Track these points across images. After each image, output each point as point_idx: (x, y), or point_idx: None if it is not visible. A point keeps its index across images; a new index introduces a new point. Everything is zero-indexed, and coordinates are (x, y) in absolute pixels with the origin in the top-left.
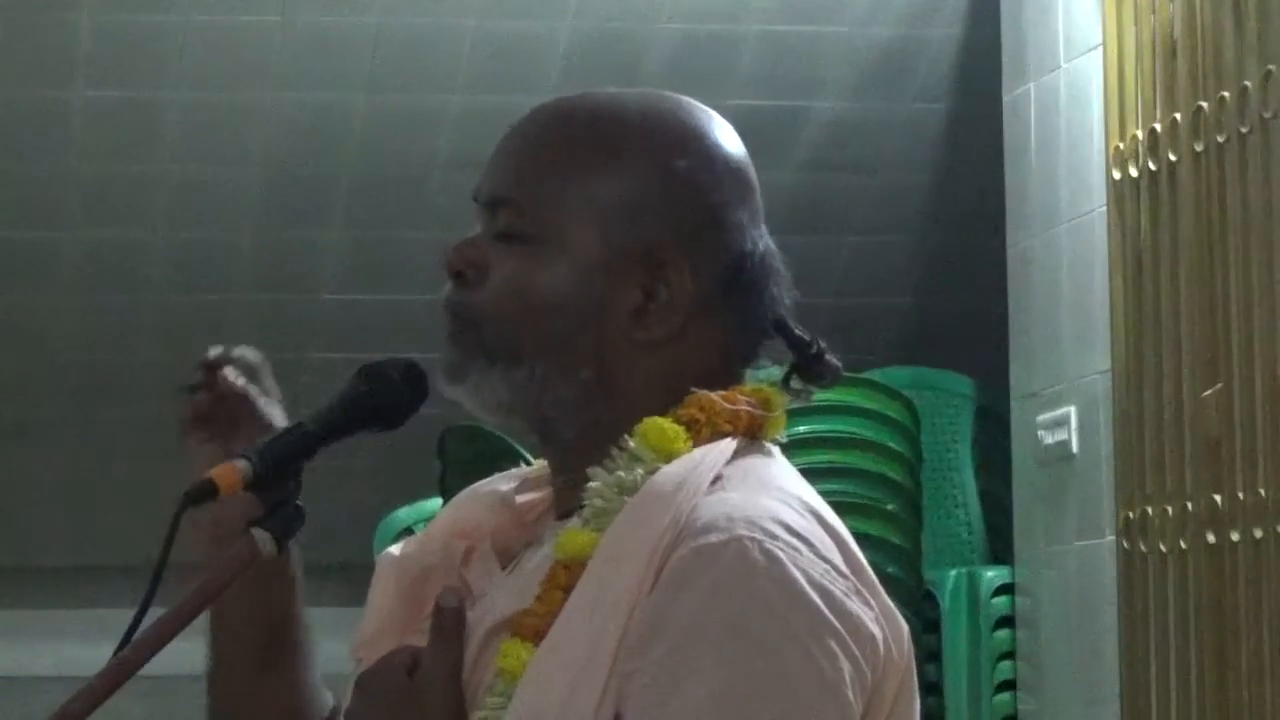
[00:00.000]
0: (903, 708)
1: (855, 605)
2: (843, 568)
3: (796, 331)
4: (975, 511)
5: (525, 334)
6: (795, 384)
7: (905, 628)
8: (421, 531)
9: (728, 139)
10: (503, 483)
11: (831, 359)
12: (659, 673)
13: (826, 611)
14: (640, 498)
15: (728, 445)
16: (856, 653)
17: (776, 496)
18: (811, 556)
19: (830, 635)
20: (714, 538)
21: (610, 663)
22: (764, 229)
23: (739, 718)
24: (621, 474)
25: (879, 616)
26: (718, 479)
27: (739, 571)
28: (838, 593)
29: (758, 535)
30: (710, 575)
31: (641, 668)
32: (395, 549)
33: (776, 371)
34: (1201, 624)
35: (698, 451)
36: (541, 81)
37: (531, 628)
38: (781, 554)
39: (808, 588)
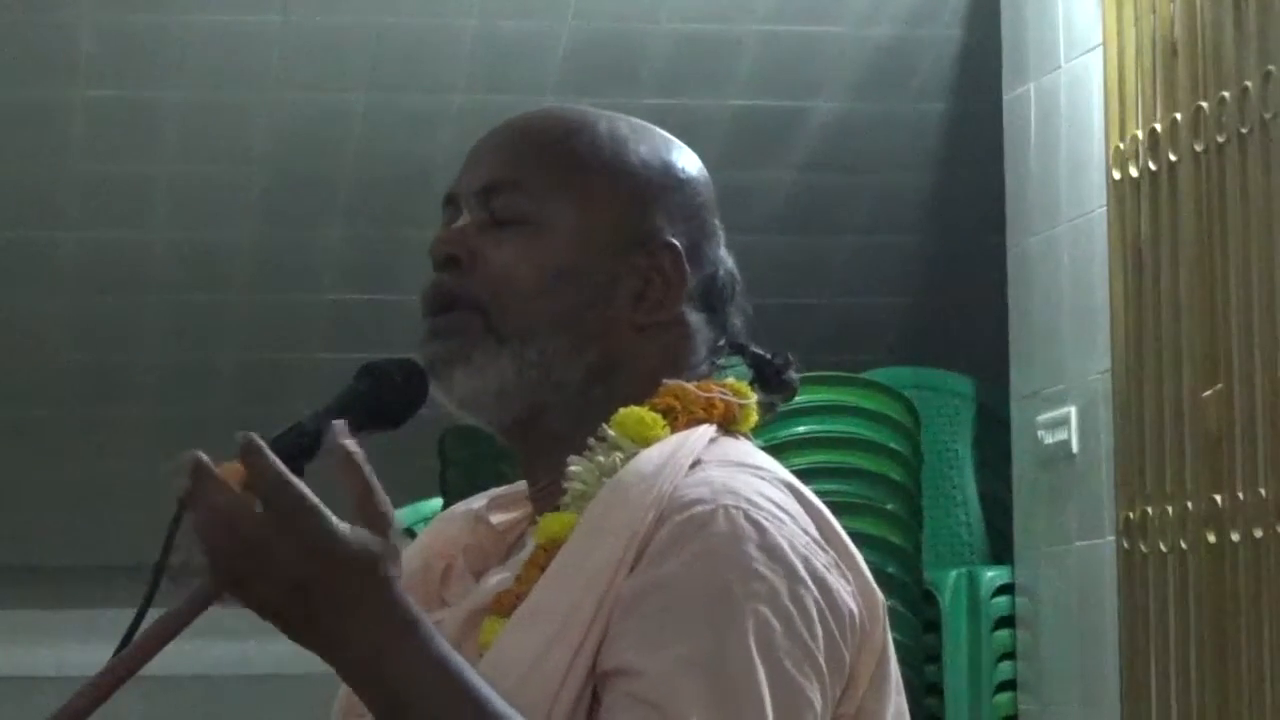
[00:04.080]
0: (877, 684)
1: (834, 579)
2: (822, 541)
3: (754, 349)
4: (975, 511)
5: (539, 309)
6: (757, 395)
7: (881, 602)
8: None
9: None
10: (474, 503)
11: (790, 374)
12: (646, 632)
13: (809, 580)
14: (621, 477)
15: (706, 431)
16: (833, 626)
17: (756, 474)
18: (794, 528)
19: (812, 603)
20: (701, 509)
21: (584, 629)
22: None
23: (722, 680)
24: (601, 459)
25: (855, 592)
26: (697, 462)
27: (727, 537)
28: (819, 564)
29: (743, 505)
30: (699, 542)
31: (627, 630)
32: None
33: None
34: (1201, 624)
35: (677, 436)
36: (541, 81)
37: (511, 605)
38: (767, 523)
39: (792, 555)
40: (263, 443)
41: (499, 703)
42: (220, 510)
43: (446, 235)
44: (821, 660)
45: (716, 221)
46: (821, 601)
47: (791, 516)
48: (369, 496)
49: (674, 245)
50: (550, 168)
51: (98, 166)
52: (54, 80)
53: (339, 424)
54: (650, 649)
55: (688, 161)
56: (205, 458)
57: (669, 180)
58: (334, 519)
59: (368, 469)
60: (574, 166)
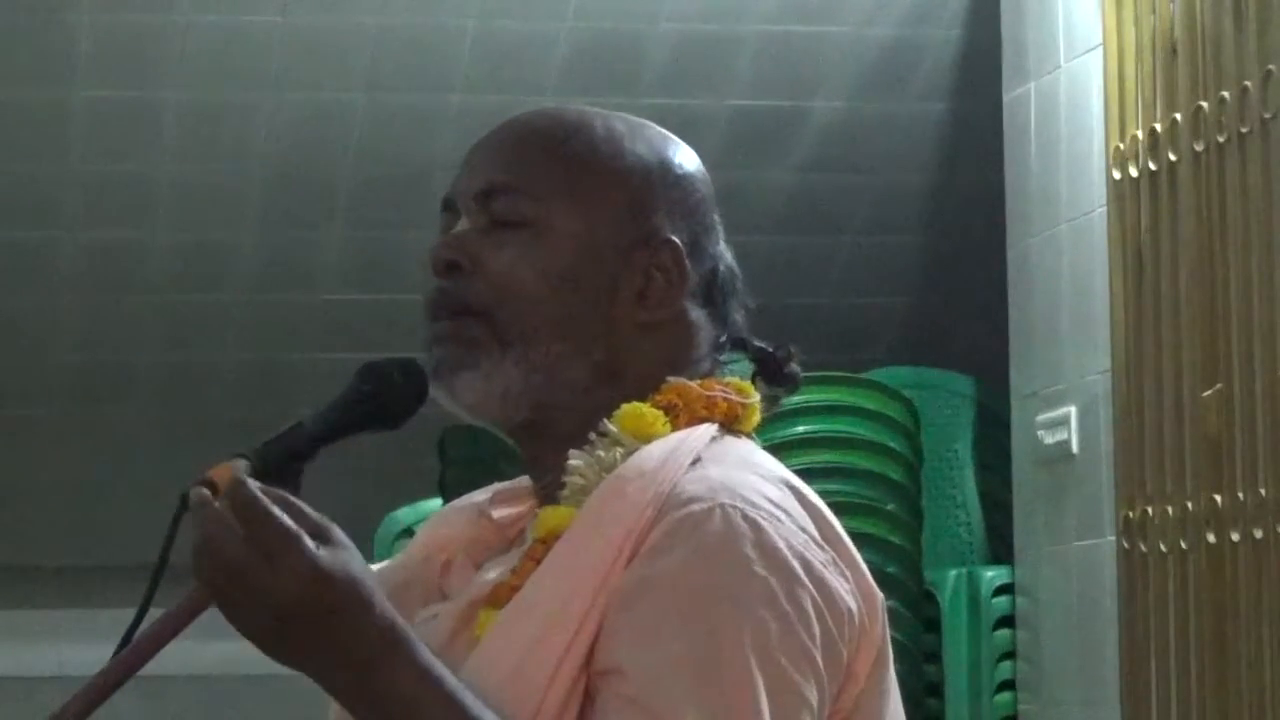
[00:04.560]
0: (876, 682)
1: (832, 577)
2: (820, 540)
3: (756, 343)
4: (975, 511)
5: (543, 313)
6: (760, 389)
7: (880, 601)
8: (401, 551)
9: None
10: (477, 497)
11: (793, 367)
12: (639, 631)
13: (806, 579)
14: (620, 473)
15: (707, 430)
16: (831, 624)
17: (755, 472)
18: (792, 526)
19: (809, 602)
20: (698, 506)
21: (578, 623)
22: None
23: (716, 680)
24: (601, 454)
25: (854, 590)
26: (697, 460)
27: (723, 536)
28: (816, 563)
29: (740, 504)
30: (695, 539)
31: (621, 627)
32: (375, 567)
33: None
34: (1201, 624)
35: (678, 434)
36: (541, 81)
37: (506, 598)
38: (764, 522)
39: (789, 555)
40: (247, 479)
41: (485, 710)
42: (209, 536)
43: (447, 241)
44: (819, 659)
45: (716, 216)
46: (819, 600)
47: (790, 515)
48: (318, 528)
49: (674, 242)
50: (549, 169)
51: (98, 166)
52: (54, 80)
53: (240, 464)
54: (643, 648)
55: (685, 157)
56: (206, 494)
57: (667, 177)
58: (313, 547)
59: (295, 502)
60: (572, 167)
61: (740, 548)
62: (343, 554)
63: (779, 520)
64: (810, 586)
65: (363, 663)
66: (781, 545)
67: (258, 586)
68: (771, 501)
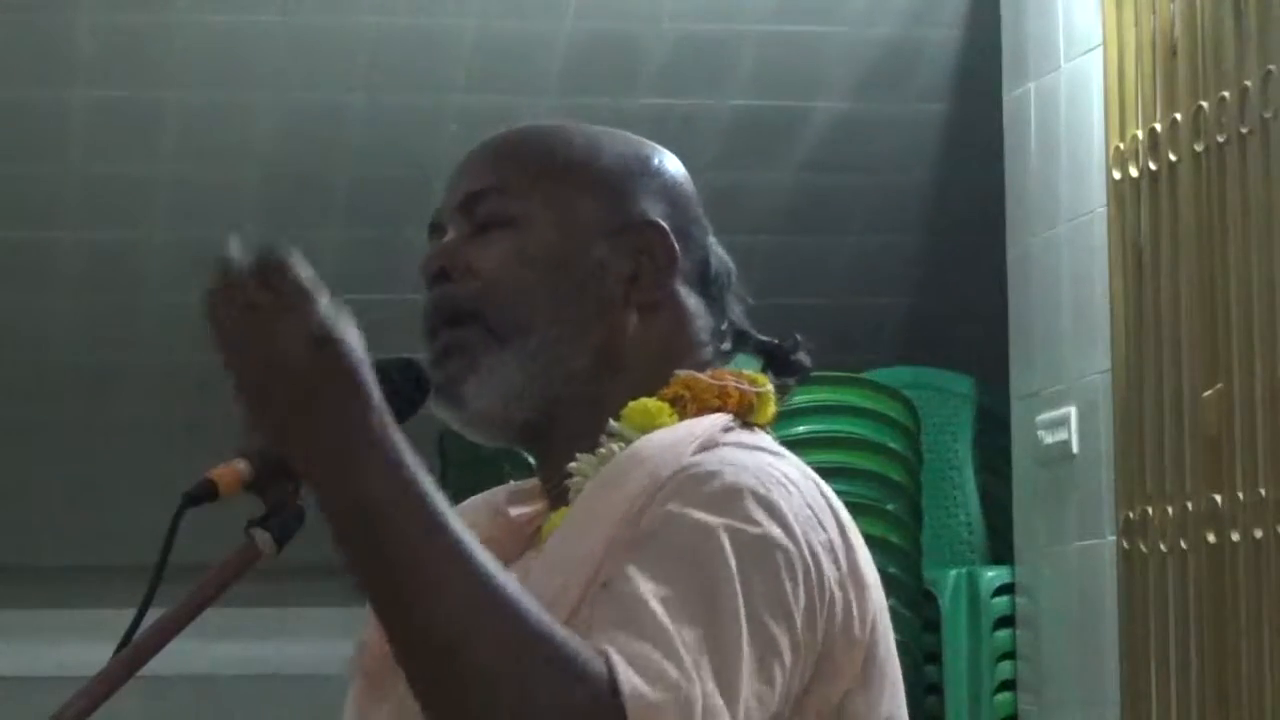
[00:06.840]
0: (865, 683)
1: (825, 560)
2: (825, 524)
3: (759, 336)
4: (975, 511)
5: (534, 302)
6: (770, 381)
7: (876, 604)
8: None
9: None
10: (495, 496)
11: (801, 357)
12: (640, 560)
13: (805, 548)
14: (619, 460)
15: (719, 419)
16: (816, 600)
17: (773, 455)
18: (799, 500)
19: (801, 570)
20: (705, 468)
21: (571, 611)
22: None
23: (708, 611)
24: (603, 451)
25: (845, 580)
26: (708, 447)
27: (728, 490)
28: (815, 540)
29: (750, 468)
30: (700, 492)
31: (622, 563)
32: None
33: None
34: (1201, 624)
35: (684, 424)
36: (541, 81)
37: None
38: (773, 486)
39: (792, 521)
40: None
41: (454, 520)
42: (231, 286)
43: (434, 251)
44: (799, 621)
45: (701, 213)
46: (812, 571)
47: (800, 491)
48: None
49: (659, 224)
50: (527, 168)
51: (98, 166)
52: (54, 80)
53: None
54: (640, 569)
55: (666, 158)
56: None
57: (647, 169)
58: (331, 312)
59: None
60: (551, 164)
61: (745, 502)
62: (352, 331)
63: (786, 489)
64: (806, 554)
65: (356, 437)
66: (786, 511)
67: (266, 326)
68: (785, 476)
